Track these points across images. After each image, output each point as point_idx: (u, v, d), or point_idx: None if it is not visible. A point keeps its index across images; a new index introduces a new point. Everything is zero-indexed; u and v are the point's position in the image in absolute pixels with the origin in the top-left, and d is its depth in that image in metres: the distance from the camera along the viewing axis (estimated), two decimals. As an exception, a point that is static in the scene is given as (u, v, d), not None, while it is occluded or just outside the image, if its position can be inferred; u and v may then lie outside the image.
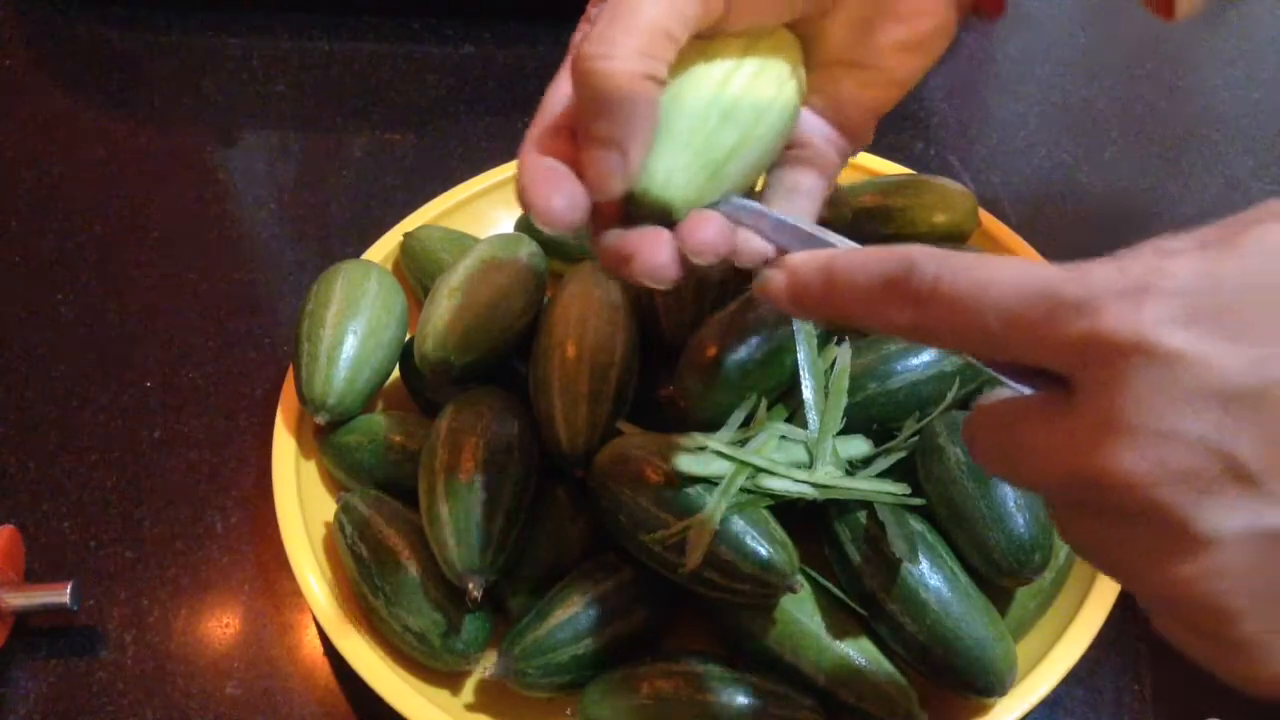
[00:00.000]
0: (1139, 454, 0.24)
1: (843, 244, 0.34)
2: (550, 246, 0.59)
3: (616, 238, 0.36)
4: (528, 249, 0.56)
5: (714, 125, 0.35)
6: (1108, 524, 0.26)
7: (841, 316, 0.31)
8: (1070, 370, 0.26)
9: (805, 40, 0.40)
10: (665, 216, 0.36)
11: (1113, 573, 0.28)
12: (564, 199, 0.35)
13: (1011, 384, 0.29)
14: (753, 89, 0.36)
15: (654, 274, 0.35)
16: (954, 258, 0.28)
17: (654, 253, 0.35)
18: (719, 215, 0.36)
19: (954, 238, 0.57)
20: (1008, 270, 0.27)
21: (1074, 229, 0.68)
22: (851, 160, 0.63)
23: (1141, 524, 0.25)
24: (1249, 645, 0.25)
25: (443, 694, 0.48)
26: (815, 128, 0.42)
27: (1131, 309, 0.24)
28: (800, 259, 0.32)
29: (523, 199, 0.35)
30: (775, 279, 0.33)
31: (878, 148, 0.66)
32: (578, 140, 0.35)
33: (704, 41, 0.37)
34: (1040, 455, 0.27)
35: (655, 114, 0.34)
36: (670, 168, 0.35)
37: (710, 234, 0.35)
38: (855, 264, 0.30)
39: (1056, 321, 0.25)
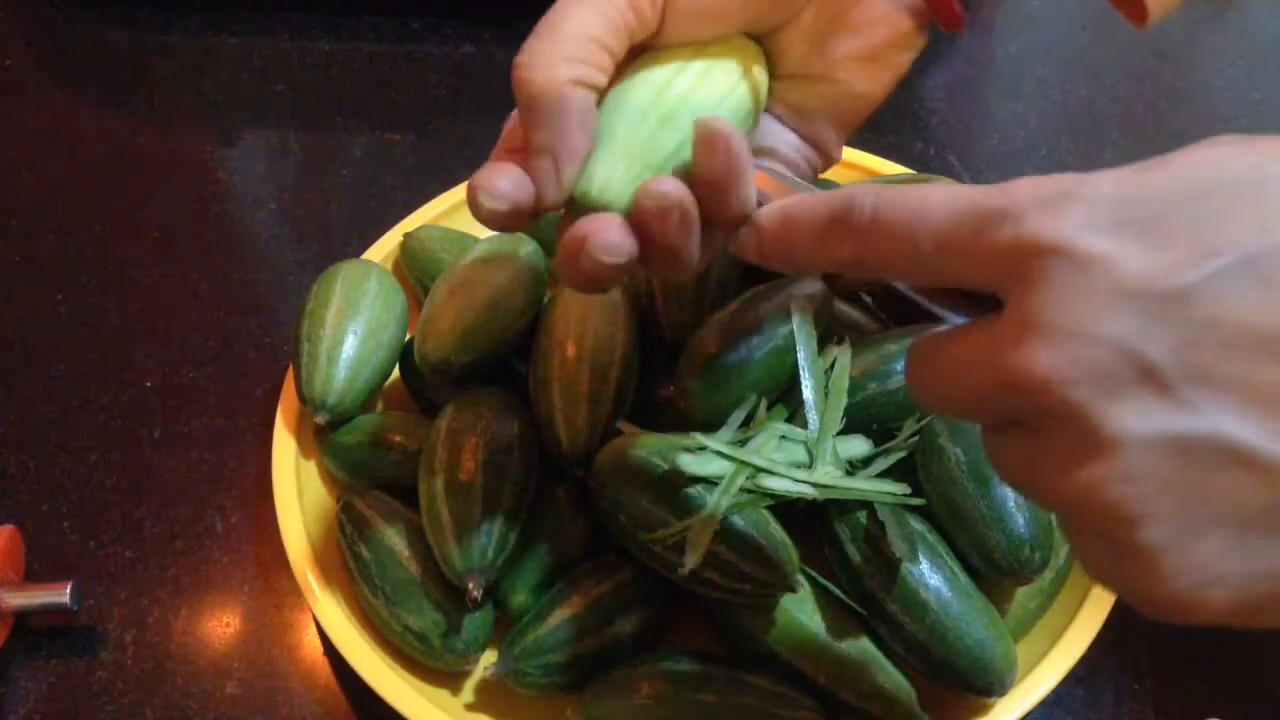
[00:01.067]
0: (1053, 352, 0.24)
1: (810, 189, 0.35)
2: (550, 246, 0.59)
3: (567, 232, 0.35)
4: (528, 249, 0.56)
5: (653, 128, 0.35)
6: (1026, 434, 0.26)
7: (799, 260, 0.32)
8: (998, 282, 0.26)
9: (766, 53, 0.40)
10: None
11: (1028, 487, 0.27)
12: (510, 182, 0.35)
13: (951, 318, 0.29)
14: (697, 91, 0.36)
15: (609, 250, 0.34)
16: (890, 190, 0.29)
17: (604, 232, 0.34)
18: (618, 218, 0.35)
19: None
20: (938, 194, 0.27)
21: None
22: (852, 160, 0.64)
23: (1054, 426, 0.25)
24: (1149, 554, 0.25)
25: (443, 694, 0.48)
26: (782, 138, 0.41)
27: (1053, 214, 0.25)
28: (763, 211, 0.33)
29: (470, 189, 0.36)
30: (744, 234, 0.33)
31: (878, 147, 0.66)
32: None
33: (657, 51, 0.37)
34: (963, 370, 0.27)
35: (587, 118, 0.35)
36: (609, 171, 0.35)
37: (613, 237, 0.34)
38: (805, 206, 0.31)
39: (983, 234, 0.26)
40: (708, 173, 0.34)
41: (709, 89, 0.36)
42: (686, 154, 0.35)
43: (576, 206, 0.36)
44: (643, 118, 0.35)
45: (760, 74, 0.39)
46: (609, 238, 0.34)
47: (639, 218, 0.34)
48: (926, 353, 0.29)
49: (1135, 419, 0.24)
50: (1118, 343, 0.24)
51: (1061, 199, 0.25)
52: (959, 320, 0.29)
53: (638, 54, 0.38)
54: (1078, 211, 0.25)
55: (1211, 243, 0.24)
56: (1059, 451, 0.25)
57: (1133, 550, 0.25)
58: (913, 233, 0.27)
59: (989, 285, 0.27)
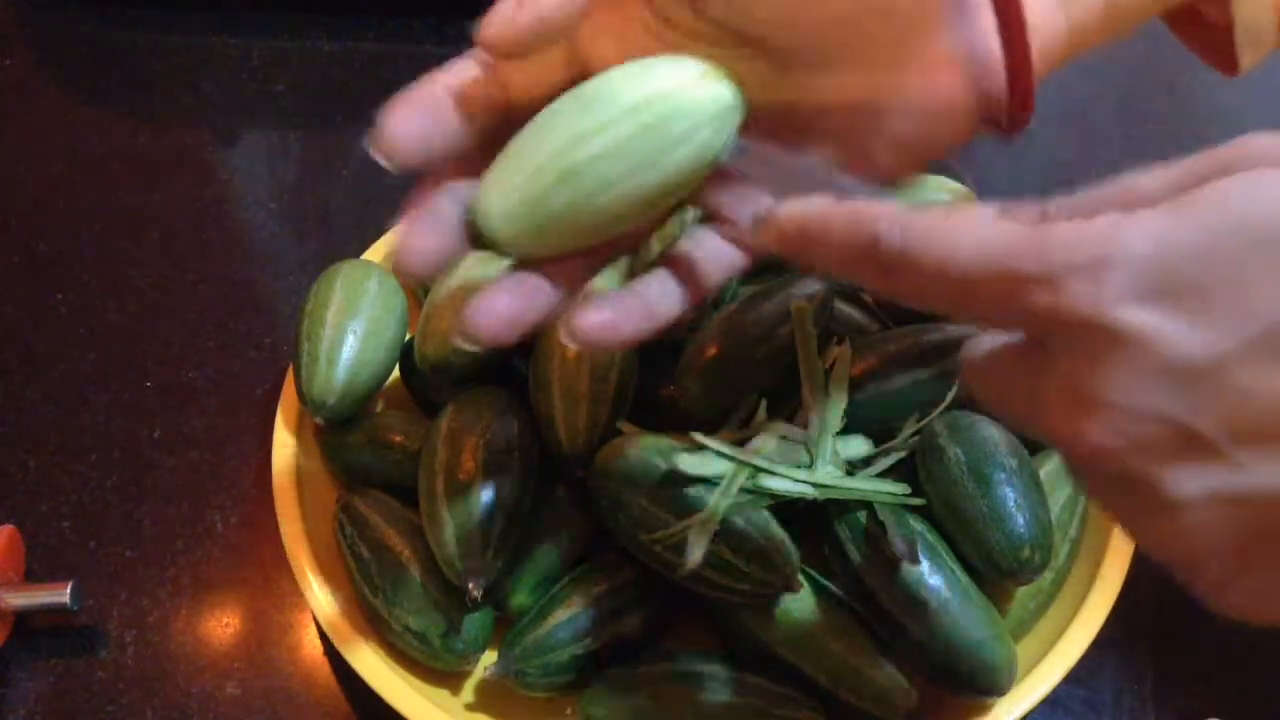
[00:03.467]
0: (1106, 428, 0.26)
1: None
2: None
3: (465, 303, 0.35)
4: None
5: (549, 183, 0.33)
6: (1098, 479, 0.28)
7: (821, 267, 0.31)
8: (1038, 337, 0.27)
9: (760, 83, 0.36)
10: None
11: (1114, 519, 0.29)
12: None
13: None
14: (608, 159, 0.33)
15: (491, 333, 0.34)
16: (915, 227, 0.28)
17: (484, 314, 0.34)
18: (506, 298, 0.35)
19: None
20: (968, 239, 0.27)
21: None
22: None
23: (1115, 485, 0.27)
24: (1218, 588, 0.27)
25: (443, 694, 0.48)
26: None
27: (1090, 283, 0.25)
28: (786, 212, 0.31)
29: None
30: (761, 227, 0.32)
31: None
32: None
33: (612, 73, 0.34)
34: (1024, 410, 0.28)
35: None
36: (501, 212, 0.33)
37: (496, 314, 0.34)
38: (826, 225, 0.30)
39: (1018, 296, 0.26)
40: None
41: (622, 161, 0.33)
42: (577, 216, 0.33)
43: (471, 226, 0.35)
44: (544, 167, 0.33)
45: (715, 138, 0.34)
46: (483, 322, 0.34)
47: None
48: (984, 373, 0.30)
49: (1189, 483, 0.26)
50: (1165, 417, 0.25)
51: (1097, 266, 0.25)
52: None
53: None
54: (1114, 281, 0.25)
55: (1246, 310, 0.25)
56: (1131, 504, 0.27)
57: (1202, 583, 0.27)
58: (942, 278, 0.27)
59: (1026, 335, 0.28)
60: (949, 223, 0.28)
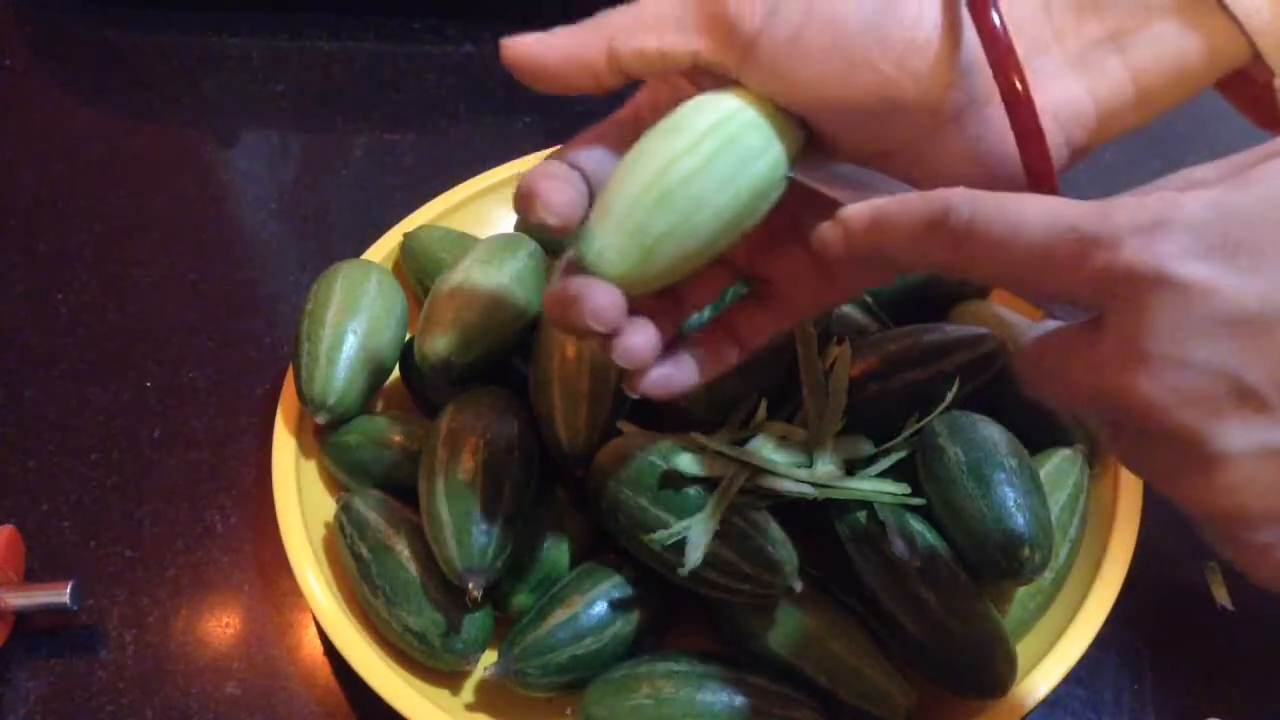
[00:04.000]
0: (1156, 380, 0.26)
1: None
2: (550, 246, 0.59)
3: (563, 283, 0.36)
4: (528, 249, 0.56)
5: (649, 208, 0.35)
6: (1141, 441, 0.28)
7: (889, 259, 0.32)
8: (1097, 301, 0.28)
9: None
10: None
11: (1154, 483, 0.30)
12: (564, 195, 0.36)
13: (1055, 311, 0.31)
14: (699, 177, 0.35)
15: (596, 317, 0.35)
16: (986, 200, 0.29)
17: (595, 298, 0.35)
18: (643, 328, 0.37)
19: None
20: (1035, 211, 0.28)
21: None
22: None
23: (1166, 443, 0.27)
24: (1264, 548, 0.27)
25: (443, 694, 0.48)
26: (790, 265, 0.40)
27: (1147, 243, 0.26)
28: (852, 210, 0.32)
29: (522, 187, 0.36)
30: (829, 231, 0.33)
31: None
32: None
33: (709, 92, 0.36)
34: (1075, 381, 0.29)
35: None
36: (603, 245, 0.35)
37: (602, 303, 0.35)
38: (899, 210, 0.31)
39: (1081, 258, 0.27)
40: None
41: (711, 175, 0.35)
42: (678, 237, 0.35)
43: (579, 261, 0.36)
44: (640, 198, 0.35)
45: (780, 159, 0.36)
46: (599, 303, 0.35)
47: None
48: (1036, 357, 0.30)
49: (1237, 436, 0.26)
50: (1216, 368, 0.26)
51: (1157, 226, 0.26)
52: (1061, 316, 0.30)
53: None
54: (1173, 239, 0.26)
55: None
56: (1174, 463, 0.28)
57: (1251, 546, 0.28)
58: (1010, 247, 0.28)
59: (1087, 303, 0.28)
60: (1017, 198, 0.29)
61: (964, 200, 0.29)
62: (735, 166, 0.35)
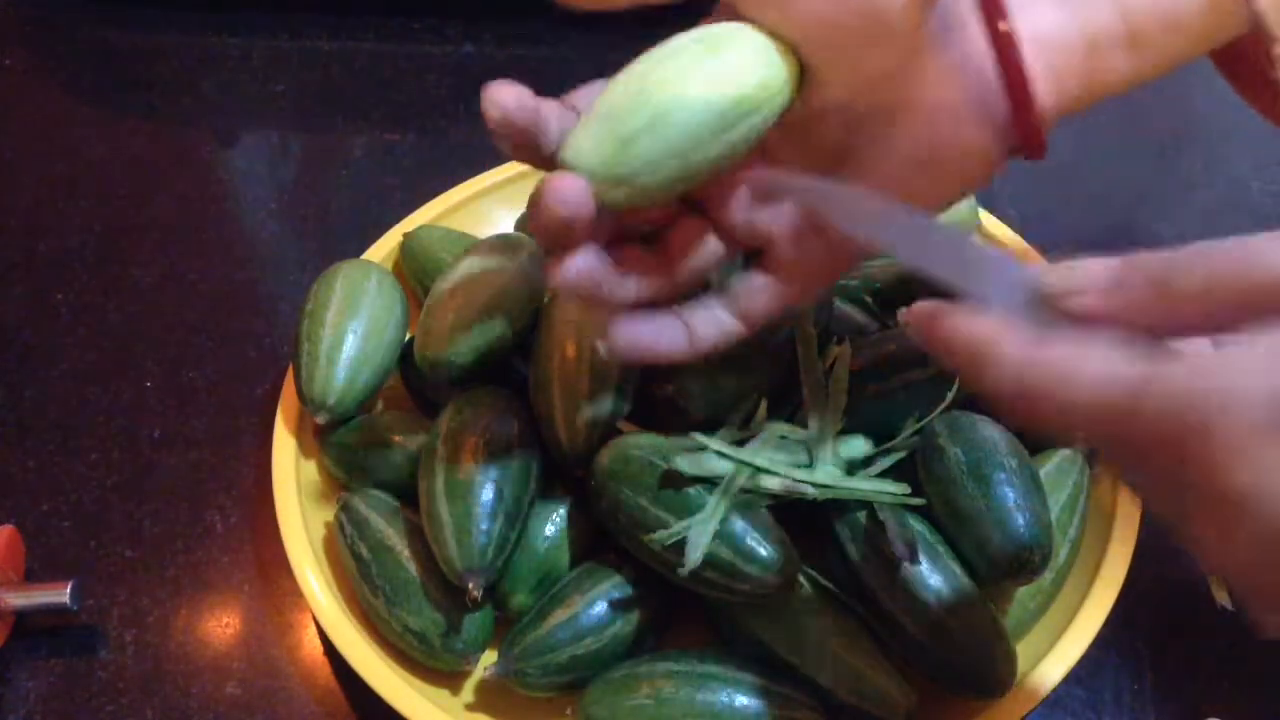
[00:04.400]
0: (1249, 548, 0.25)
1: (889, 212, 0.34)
2: (550, 246, 0.59)
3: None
4: (528, 249, 0.56)
5: (627, 106, 0.35)
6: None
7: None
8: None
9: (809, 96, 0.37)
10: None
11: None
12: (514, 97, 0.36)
13: None
14: (680, 78, 0.35)
15: (560, 197, 0.34)
16: (1031, 373, 0.28)
17: (559, 181, 0.34)
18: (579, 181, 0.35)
19: (954, 238, 0.57)
20: (1083, 385, 0.27)
21: (1074, 229, 0.68)
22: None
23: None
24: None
25: (443, 694, 0.48)
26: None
27: (1205, 448, 0.25)
28: (916, 311, 0.32)
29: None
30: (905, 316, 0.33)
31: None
32: None
33: (697, 31, 0.36)
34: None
35: None
36: (580, 139, 0.35)
37: (568, 187, 0.34)
38: (948, 346, 0.30)
39: (1135, 449, 0.26)
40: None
41: (693, 80, 0.35)
42: (659, 132, 0.35)
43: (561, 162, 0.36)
44: (622, 94, 0.35)
45: (774, 86, 0.36)
46: (562, 185, 0.34)
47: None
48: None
49: None
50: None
51: (1207, 428, 0.25)
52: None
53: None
54: (1229, 442, 0.25)
55: None
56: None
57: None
58: (1061, 410, 0.28)
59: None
60: (1064, 364, 0.28)
61: (1007, 368, 0.28)
62: (719, 75, 0.35)
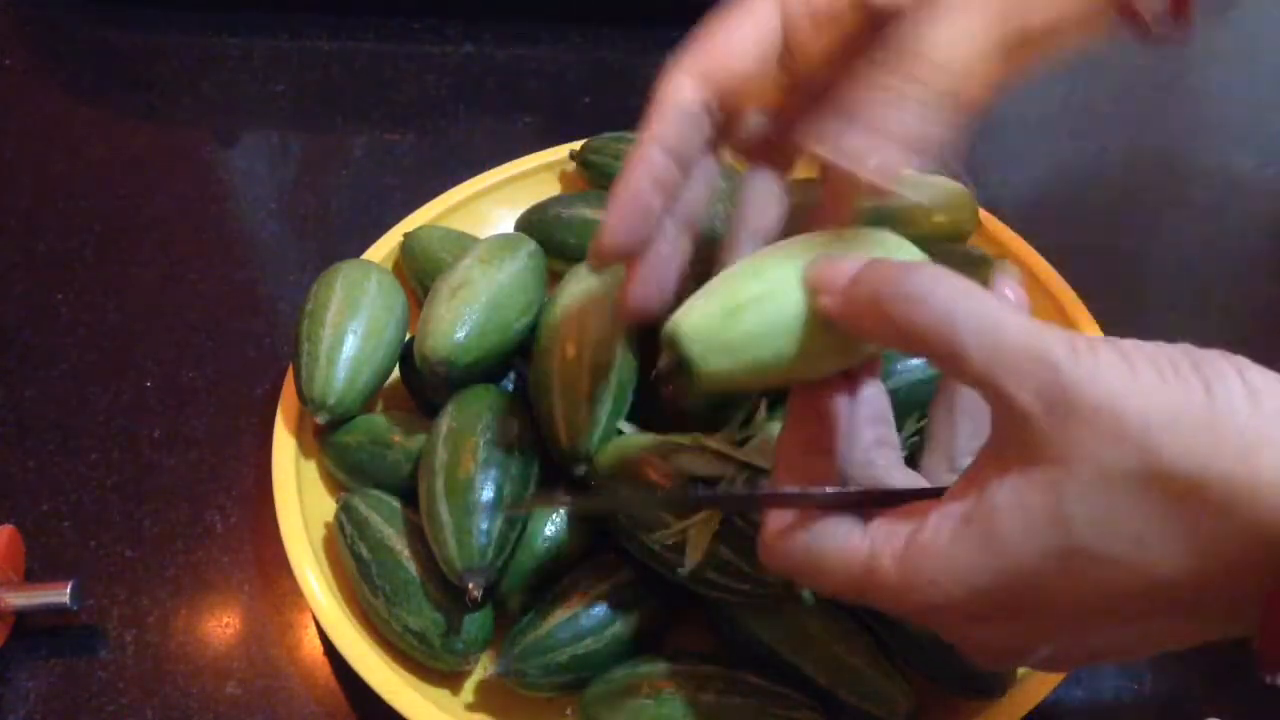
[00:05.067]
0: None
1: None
2: (550, 246, 0.59)
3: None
4: (528, 249, 0.56)
5: (739, 276, 0.36)
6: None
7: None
8: None
9: None
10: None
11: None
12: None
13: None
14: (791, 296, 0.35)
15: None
16: (791, 555, 0.34)
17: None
18: None
19: (954, 238, 0.57)
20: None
21: (1074, 229, 0.68)
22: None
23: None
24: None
25: (443, 694, 0.48)
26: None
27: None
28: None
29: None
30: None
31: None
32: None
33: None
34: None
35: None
36: (694, 326, 0.35)
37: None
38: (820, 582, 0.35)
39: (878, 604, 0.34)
40: None
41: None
42: (762, 306, 0.35)
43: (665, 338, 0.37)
44: (736, 271, 0.36)
45: None
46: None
47: None
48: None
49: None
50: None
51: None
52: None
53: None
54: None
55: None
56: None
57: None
58: (825, 589, 0.34)
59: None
60: (810, 550, 0.34)
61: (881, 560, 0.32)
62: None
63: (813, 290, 0.34)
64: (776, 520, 0.34)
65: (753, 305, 0.35)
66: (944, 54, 0.34)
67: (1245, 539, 0.26)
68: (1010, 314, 0.29)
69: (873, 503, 0.34)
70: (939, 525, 0.30)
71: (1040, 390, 0.28)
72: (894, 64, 0.35)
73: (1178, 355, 0.28)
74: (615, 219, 0.38)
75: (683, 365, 0.35)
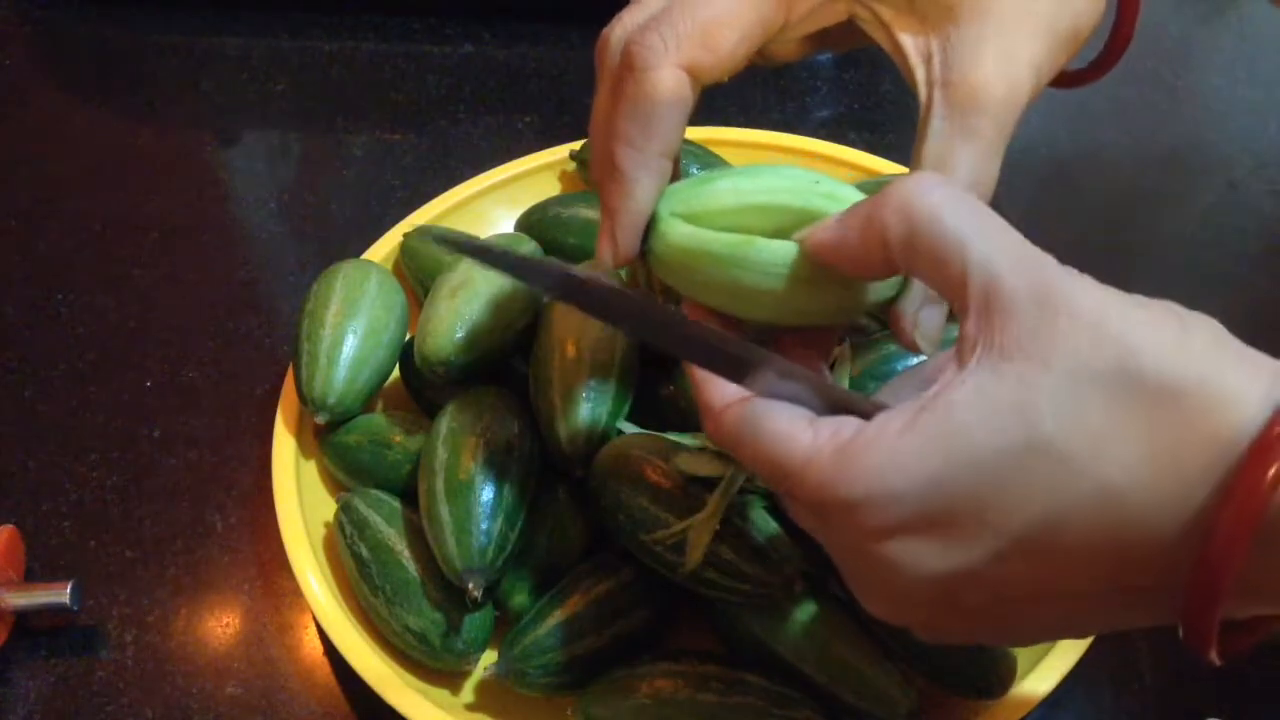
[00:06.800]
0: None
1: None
2: (550, 246, 0.59)
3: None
4: (528, 248, 0.56)
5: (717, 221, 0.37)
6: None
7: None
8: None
9: None
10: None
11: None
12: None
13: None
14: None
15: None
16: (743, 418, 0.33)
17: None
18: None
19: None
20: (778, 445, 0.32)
21: (1073, 229, 0.68)
22: (851, 160, 0.63)
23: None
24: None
25: (443, 694, 0.48)
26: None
27: (848, 526, 0.31)
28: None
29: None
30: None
31: (878, 147, 0.66)
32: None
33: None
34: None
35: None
36: (670, 228, 0.37)
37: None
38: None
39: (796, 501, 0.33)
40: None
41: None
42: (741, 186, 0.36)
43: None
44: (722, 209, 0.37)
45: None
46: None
47: None
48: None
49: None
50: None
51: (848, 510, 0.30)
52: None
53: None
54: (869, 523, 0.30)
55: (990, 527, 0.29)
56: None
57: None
58: (751, 458, 0.33)
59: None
60: (755, 419, 0.32)
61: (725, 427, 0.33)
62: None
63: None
64: (733, 388, 0.34)
65: (729, 178, 0.36)
66: (995, 85, 0.38)
67: (1203, 453, 0.27)
68: (1010, 228, 0.31)
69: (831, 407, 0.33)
70: (889, 417, 0.29)
71: (1032, 287, 0.29)
72: (949, 107, 0.38)
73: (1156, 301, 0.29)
74: (624, 235, 0.38)
75: (648, 241, 0.37)
